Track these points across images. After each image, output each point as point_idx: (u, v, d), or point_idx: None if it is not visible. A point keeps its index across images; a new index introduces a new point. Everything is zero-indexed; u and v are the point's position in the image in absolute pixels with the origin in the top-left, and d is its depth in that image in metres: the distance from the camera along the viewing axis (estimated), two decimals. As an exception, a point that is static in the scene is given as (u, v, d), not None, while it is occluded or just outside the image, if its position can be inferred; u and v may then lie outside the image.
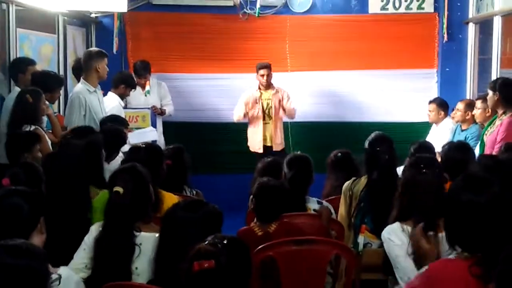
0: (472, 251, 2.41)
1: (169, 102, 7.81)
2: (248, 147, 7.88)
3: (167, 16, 8.33)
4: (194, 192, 4.76)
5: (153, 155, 4.22)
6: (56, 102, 6.46)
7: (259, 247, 3.59)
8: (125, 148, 5.09)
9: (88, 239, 3.29)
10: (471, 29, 8.14)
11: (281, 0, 8.28)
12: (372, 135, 4.50)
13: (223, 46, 8.33)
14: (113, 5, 7.09)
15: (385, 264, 3.35)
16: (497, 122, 5.49)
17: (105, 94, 6.56)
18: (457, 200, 2.47)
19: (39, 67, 5.95)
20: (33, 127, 5.00)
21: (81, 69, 6.19)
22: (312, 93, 8.42)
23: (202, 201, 3.49)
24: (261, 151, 7.57)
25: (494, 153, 5.05)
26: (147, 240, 3.19)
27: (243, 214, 4.72)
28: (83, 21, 7.97)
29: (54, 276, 2.37)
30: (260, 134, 7.70)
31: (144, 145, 4.44)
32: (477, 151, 5.50)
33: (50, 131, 5.55)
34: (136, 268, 3.18)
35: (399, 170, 3.93)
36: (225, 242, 2.34)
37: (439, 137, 6.74)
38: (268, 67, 7.61)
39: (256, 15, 8.22)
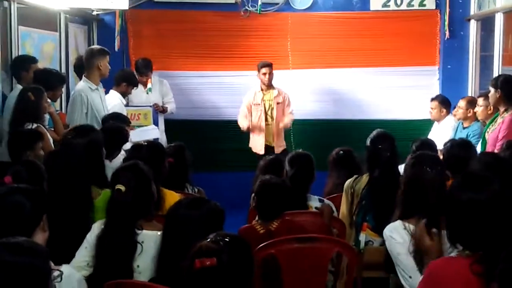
0: (473, 249, 2.41)
1: (171, 100, 7.81)
2: (250, 147, 7.88)
3: (168, 13, 8.33)
4: (196, 190, 4.77)
5: (155, 153, 4.23)
6: (58, 100, 6.46)
7: (261, 245, 3.59)
8: (127, 146, 5.09)
9: (90, 237, 3.30)
10: (473, 26, 8.12)
11: (283, -3, 8.29)
12: (374, 132, 4.49)
13: (224, 44, 8.33)
14: (114, 2, 7.09)
15: (386, 262, 3.35)
16: (499, 119, 5.48)
17: (107, 92, 6.56)
18: (458, 199, 2.47)
19: (40, 65, 5.95)
20: (35, 125, 5.01)
21: (83, 67, 6.19)
22: (313, 90, 8.42)
23: (204, 198, 3.49)
24: (262, 152, 7.53)
25: (496, 150, 5.05)
26: (149, 238, 3.20)
27: (245, 212, 4.73)
28: (85, 18, 7.97)
29: (55, 273, 2.37)
30: (262, 136, 7.69)
31: (146, 143, 4.45)
32: (478, 149, 5.50)
33: (52, 129, 5.56)
34: (138, 266, 3.19)
35: (401, 167, 3.93)
36: (227, 239, 2.34)
37: (441, 134, 6.74)
38: (270, 65, 7.60)
39: (258, 12, 8.22)
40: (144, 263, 3.17)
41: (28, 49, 6.18)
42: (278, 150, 7.62)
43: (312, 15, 8.36)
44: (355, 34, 8.36)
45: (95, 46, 6.71)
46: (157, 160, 4.09)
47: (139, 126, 6.82)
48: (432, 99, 7.31)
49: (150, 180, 3.40)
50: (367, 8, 8.35)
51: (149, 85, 7.61)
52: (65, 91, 6.74)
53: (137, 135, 5.91)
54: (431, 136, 6.74)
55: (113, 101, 6.55)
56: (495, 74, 6.83)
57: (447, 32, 8.18)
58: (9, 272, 2.05)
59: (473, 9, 8.09)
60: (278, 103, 7.67)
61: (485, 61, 7.91)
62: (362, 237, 4.12)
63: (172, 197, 3.96)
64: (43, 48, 6.61)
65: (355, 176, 4.57)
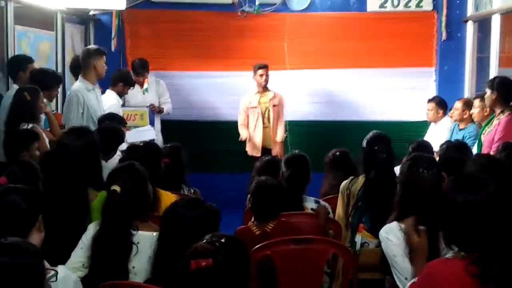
0: (469, 251, 2.41)
1: (167, 100, 7.81)
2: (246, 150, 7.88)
3: (165, 13, 8.33)
4: (192, 191, 4.77)
5: (151, 154, 4.22)
6: (54, 100, 6.45)
7: (257, 246, 3.59)
8: (123, 146, 5.09)
9: (86, 238, 3.30)
10: (470, 27, 8.14)
11: (280, -2, 8.29)
12: (370, 134, 4.50)
13: (221, 44, 8.33)
14: (111, 2, 7.09)
15: (382, 264, 3.35)
16: (495, 121, 5.48)
17: (103, 92, 6.55)
18: (453, 200, 2.47)
19: (37, 64, 5.94)
20: (30, 125, 4.99)
21: (79, 67, 6.18)
22: (310, 91, 8.42)
23: (200, 199, 3.49)
24: (259, 154, 7.48)
25: (491, 152, 5.06)
26: (144, 239, 3.20)
27: (241, 213, 4.72)
28: (81, 18, 7.96)
29: (50, 273, 2.37)
30: (259, 138, 7.69)
31: (142, 144, 4.44)
32: (474, 151, 5.51)
33: (48, 129, 5.55)
34: (133, 267, 3.18)
35: (397, 169, 3.93)
36: (223, 240, 2.34)
37: (437, 136, 6.75)
38: (266, 67, 7.61)
39: (256, 12, 8.21)
40: (139, 264, 3.16)
41: (24, 48, 6.17)
42: (275, 152, 7.64)
43: (309, 15, 8.36)
44: (352, 35, 8.36)
45: (92, 46, 6.71)
46: (153, 161, 4.08)
47: (135, 127, 6.81)
48: (429, 101, 7.32)
49: (146, 181, 3.39)
50: (364, 9, 8.36)
51: (145, 85, 7.61)
52: (61, 91, 6.73)
53: (133, 136, 5.90)
54: (427, 137, 6.75)
55: (109, 101, 6.54)
56: (492, 76, 6.83)
57: (444, 33, 8.20)
58: (2, 273, 2.05)
59: (470, 11, 8.11)
60: (274, 106, 7.67)
61: (482, 63, 7.92)
62: (358, 239, 4.12)
63: (168, 197, 3.96)
64: (39, 48, 6.60)
65: (351, 178, 4.58)
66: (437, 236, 2.95)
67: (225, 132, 8.26)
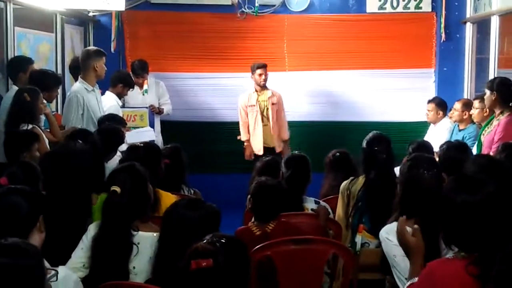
0: (469, 251, 2.41)
1: (167, 101, 7.81)
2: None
3: (165, 15, 8.33)
4: (192, 191, 4.77)
5: (151, 154, 4.23)
6: (54, 101, 6.45)
7: (257, 246, 3.59)
8: (123, 147, 5.09)
9: (86, 238, 3.29)
10: (469, 28, 8.15)
11: (279, -1, 8.30)
12: (370, 134, 4.51)
13: (221, 45, 8.33)
14: (111, 4, 7.07)
15: (383, 264, 3.35)
16: (495, 122, 5.49)
17: (102, 93, 6.55)
18: (452, 200, 2.47)
19: (36, 66, 5.94)
20: (30, 126, 5.00)
21: (78, 68, 6.18)
22: (310, 92, 8.43)
23: (200, 200, 3.50)
24: (261, 153, 7.52)
25: (491, 153, 5.06)
26: (145, 240, 3.20)
27: (241, 213, 4.73)
28: (81, 19, 7.96)
29: (51, 273, 2.37)
30: (260, 136, 7.69)
31: (142, 144, 4.44)
32: (474, 151, 5.51)
33: (48, 130, 5.55)
34: (134, 267, 3.18)
35: (397, 169, 3.94)
36: (223, 241, 2.34)
37: (437, 136, 6.75)
38: (265, 66, 7.62)
39: (255, 14, 8.22)
40: (140, 264, 3.16)
41: (24, 50, 6.17)
42: (278, 149, 7.66)
43: (309, 17, 8.37)
44: (351, 36, 8.37)
45: (91, 47, 6.71)
46: (153, 162, 4.09)
47: (135, 128, 6.81)
48: (429, 101, 7.33)
49: (146, 181, 3.40)
50: (363, 11, 8.36)
51: (145, 87, 7.61)
52: (61, 92, 6.73)
53: (132, 137, 5.90)
54: (427, 138, 6.75)
55: (109, 102, 6.54)
56: (491, 77, 6.84)
57: (443, 35, 8.21)
58: (2, 273, 2.05)
59: (469, 12, 8.11)
60: (273, 104, 7.68)
61: (481, 64, 7.92)
62: (358, 239, 4.12)
63: (168, 198, 3.96)
64: (38, 49, 6.60)
65: (351, 178, 4.58)
66: (437, 236, 2.95)
67: (225, 133, 8.27)
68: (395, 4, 8.32)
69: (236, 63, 8.33)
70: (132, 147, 4.40)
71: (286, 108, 7.95)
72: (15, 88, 5.48)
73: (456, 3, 8.19)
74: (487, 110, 5.92)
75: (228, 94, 8.28)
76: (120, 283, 3.07)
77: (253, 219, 4.06)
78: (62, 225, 3.43)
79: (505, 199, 2.50)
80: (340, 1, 8.38)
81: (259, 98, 7.69)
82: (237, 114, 7.88)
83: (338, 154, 5.41)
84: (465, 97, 7.77)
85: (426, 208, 3.10)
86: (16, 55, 5.90)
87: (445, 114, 7.15)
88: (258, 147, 7.70)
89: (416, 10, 8.33)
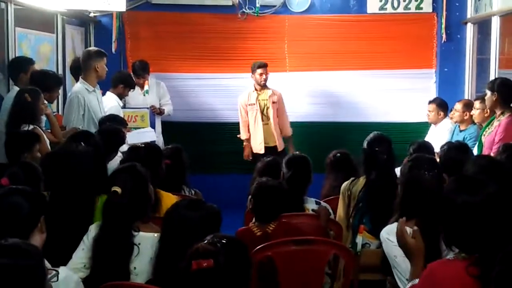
0: (469, 252, 2.41)
1: (168, 102, 7.82)
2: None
3: (166, 15, 8.33)
4: (193, 192, 4.77)
5: (152, 155, 4.23)
6: (55, 101, 6.45)
7: (258, 247, 3.59)
8: (124, 148, 5.09)
9: (87, 239, 3.29)
10: (470, 29, 8.15)
11: (280, 0, 8.28)
12: (371, 135, 4.51)
13: (222, 46, 8.34)
14: (112, 4, 7.08)
15: (383, 264, 3.35)
16: (495, 122, 5.49)
17: (103, 94, 6.56)
18: (453, 201, 2.47)
19: (37, 66, 5.94)
20: (31, 127, 5.00)
21: (79, 69, 6.19)
22: (310, 93, 8.43)
23: (201, 200, 3.50)
24: (262, 151, 7.53)
25: (492, 153, 5.06)
26: (145, 240, 3.20)
27: (242, 214, 4.73)
28: (82, 20, 7.97)
29: (51, 273, 2.37)
30: (260, 135, 7.69)
31: (143, 145, 4.44)
32: (475, 152, 5.51)
33: (49, 130, 5.55)
34: (135, 268, 3.18)
35: (397, 170, 3.94)
36: (224, 241, 2.34)
37: (438, 137, 6.75)
38: (266, 66, 7.62)
39: (256, 14, 8.22)
40: (140, 265, 3.16)
41: (25, 50, 6.17)
42: (281, 147, 7.67)
43: (309, 17, 8.37)
44: (352, 37, 8.37)
45: (92, 48, 6.72)
46: (154, 162, 4.09)
47: (136, 128, 6.81)
48: (430, 102, 7.33)
49: (147, 182, 3.40)
50: (364, 11, 8.36)
51: (146, 87, 7.61)
52: (62, 92, 6.73)
53: (133, 137, 5.89)
54: (427, 139, 6.74)
55: (110, 103, 6.55)
56: (492, 77, 6.84)
57: (443, 35, 8.21)
58: (3, 274, 2.05)
59: (469, 12, 8.11)
60: (273, 102, 7.68)
61: (482, 64, 7.92)
62: (359, 240, 4.12)
63: (168, 199, 3.96)
64: (39, 50, 6.60)
65: (352, 179, 4.58)
66: (438, 237, 2.95)
67: (225, 133, 8.28)
68: (395, 5, 8.31)
69: (237, 63, 8.33)
70: (133, 148, 4.40)
71: (287, 108, 7.95)
72: (16, 88, 5.48)
73: (457, 4, 8.19)
74: (488, 110, 5.92)
75: (229, 95, 8.28)
76: (121, 284, 3.07)
77: (254, 220, 4.06)
78: (63, 226, 3.43)
79: (506, 200, 2.50)
80: (340, 1, 8.38)
81: (259, 97, 7.70)
82: (238, 115, 7.89)
83: (339, 154, 5.41)
84: (466, 97, 7.76)
85: (426, 209, 3.10)
86: (17, 55, 5.90)
87: (446, 115, 7.14)
88: (258, 146, 7.70)
89: (417, 11, 8.32)
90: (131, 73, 7.47)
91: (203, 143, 8.32)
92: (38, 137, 4.79)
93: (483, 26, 7.91)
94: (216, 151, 8.41)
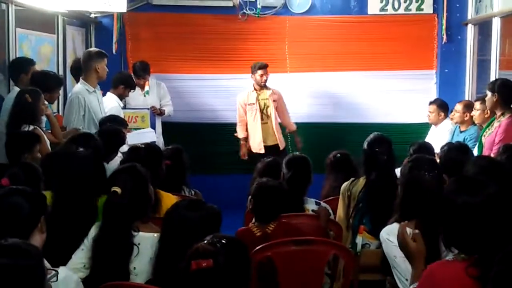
0: (469, 253, 2.41)
1: (168, 103, 7.82)
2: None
3: (166, 16, 8.34)
4: (193, 192, 4.78)
5: (152, 155, 4.23)
6: (55, 102, 6.46)
7: (258, 247, 3.59)
8: (124, 148, 5.09)
9: (87, 239, 3.30)
10: (470, 30, 8.15)
11: (280, 1, 8.28)
12: (371, 136, 4.51)
13: (222, 47, 8.34)
14: (113, 5, 7.08)
15: (383, 265, 3.35)
16: (496, 123, 5.49)
17: (104, 95, 6.56)
18: (452, 202, 2.47)
19: (38, 67, 5.94)
20: (31, 127, 5.00)
21: (80, 69, 6.19)
22: (311, 94, 8.44)
23: (201, 201, 3.50)
24: (262, 151, 7.54)
25: (492, 154, 5.06)
26: (145, 240, 3.21)
27: (242, 214, 4.73)
28: (82, 21, 7.97)
29: (51, 273, 2.37)
30: (259, 135, 7.70)
31: (143, 145, 4.45)
32: (475, 153, 5.51)
33: (49, 131, 5.55)
34: (134, 268, 3.18)
35: (397, 171, 3.94)
36: (223, 241, 2.34)
37: (438, 138, 6.75)
38: (267, 66, 7.63)
39: (257, 15, 8.23)
40: (140, 265, 3.17)
41: (25, 51, 6.17)
42: (282, 146, 7.69)
43: (310, 18, 8.37)
44: (352, 38, 8.37)
45: (93, 49, 6.71)
46: (154, 163, 4.09)
47: (136, 129, 6.81)
48: (431, 103, 7.32)
49: (147, 182, 3.40)
50: (364, 12, 8.36)
51: (146, 88, 7.62)
52: (62, 93, 6.73)
53: (133, 138, 5.89)
54: (428, 139, 6.74)
55: (110, 104, 6.55)
56: (492, 78, 6.84)
57: (444, 36, 8.21)
58: (2, 274, 2.05)
59: (470, 14, 8.12)
60: (274, 101, 7.69)
61: (482, 65, 7.92)
62: (359, 240, 4.12)
63: (168, 199, 3.96)
64: (40, 50, 6.60)
65: (352, 179, 4.59)
66: (437, 238, 2.95)
67: (226, 134, 8.27)
68: (396, 6, 8.32)
69: (237, 64, 8.33)
70: (133, 148, 4.40)
71: (288, 110, 7.96)
72: (16, 89, 5.48)
73: (458, 5, 8.19)
74: (488, 111, 5.92)
75: (229, 96, 8.27)
76: (120, 284, 3.07)
77: (253, 220, 4.06)
78: (64, 227, 3.44)
79: (506, 201, 2.50)
80: (341, 2, 8.38)
81: (259, 96, 7.70)
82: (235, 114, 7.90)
83: (339, 155, 5.41)
84: (466, 98, 7.77)
85: (426, 210, 3.10)
86: (17, 56, 5.90)
87: (446, 116, 7.14)
88: (258, 146, 7.70)
89: (418, 12, 8.32)
90: (132, 74, 7.48)
91: (204, 143, 8.32)
92: (39, 138, 4.79)
93: (483, 27, 7.92)
94: (216, 152, 8.41)
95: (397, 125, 8.30)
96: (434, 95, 8.11)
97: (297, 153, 4.82)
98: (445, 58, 8.26)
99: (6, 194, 2.81)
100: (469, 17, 8.14)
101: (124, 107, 7.07)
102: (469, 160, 4.23)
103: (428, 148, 5.14)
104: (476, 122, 6.36)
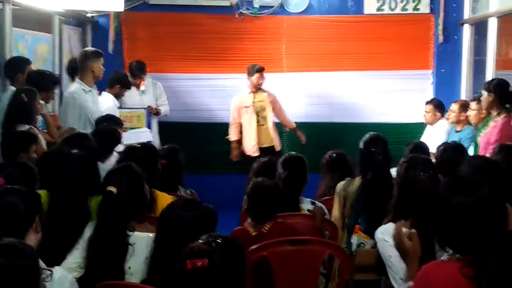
0: (464, 253, 2.42)
1: (164, 102, 7.82)
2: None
3: (163, 16, 8.34)
4: (189, 192, 4.78)
5: (148, 155, 4.22)
6: (51, 101, 6.45)
7: (253, 247, 3.59)
8: (119, 148, 5.09)
9: (82, 239, 3.29)
10: (467, 30, 8.16)
11: (277, 1, 8.28)
12: (367, 135, 4.51)
13: (219, 47, 8.34)
14: (109, 4, 7.08)
15: (378, 264, 3.36)
16: (491, 123, 5.50)
17: (100, 94, 6.56)
18: (447, 202, 2.48)
19: (34, 66, 5.94)
20: (27, 127, 5.00)
21: (76, 69, 6.18)
22: (307, 93, 8.44)
23: (197, 200, 3.50)
24: (256, 154, 7.46)
25: (488, 154, 5.06)
26: (140, 240, 3.20)
27: (237, 214, 4.73)
28: (79, 20, 7.96)
29: (46, 273, 2.37)
30: (254, 138, 7.68)
31: (139, 145, 4.44)
32: (471, 153, 5.52)
33: (45, 130, 5.55)
34: (129, 267, 3.18)
35: (393, 171, 3.94)
36: (219, 241, 2.34)
37: (434, 138, 6.75)
38: (263, 70, 7.62)
39: (255, 15, 8.23)
40: (135, 264, 3.16)
41: (22, 50, 6.17)
42: (278, 148, 7.69)
43: (307, 18, 8.38)
44: (349, 38, 8.38)
45: (89, 48, 6.71)
46: (150, 162, 4.08)
47: (132, 128, 6.80)
48: (427, 103, 7.33)
49: (142, 182, 3.40)
50: (361, 12, 8.37)
51: (142, 87, 7.62)
52: (58, 93, 6.73)
53: (129, 138, 5.88)
54: (423, 139, 6.75)
55: (106, 103, 6.54)
56: (488, 78, 6.85)
57: (441, 36, 8.21)
58: (-2, 274, 2.06)
59: (467, 14, 8.12)
60: (270, 102, 7.69)
61: (479, 65, 7.93)
62: (354, 240, 4.13)
63: (164, 199, 3.96)
64: (36, 50, 6.60)
65: (347, 179, 4.59)
66: (432, 238, 2.96)
67: (222, 133, 8.25)
68: (393, 6, 8.32)
69: (234, 64, 8.33)
70: (129, 148, 4.39)
71: (284, 109, 7.96)
72: (12, 88, 5.47)
73: (454, 5, 8.19)
74: (484, 111, 5.92)
75: (225, 95, 8.26)
76: (115, 283, 3.07)
77: (249, 220, 4.06)
78: (60, 226, 3.44)
79: (500, 201, 2.51)
80: (338, 2, 8.39)
81: (254, 99, 7.69)
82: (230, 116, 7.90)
83: (334, 155, 5.41)
84: (463, 98, 7.77)
85: (422, 210, 3.10)
86: (14, 55, 5.90)
87: (442, 116, 7.15)
88: (252, 149, 7.69)
89: (414, 12, 8.33)
90: (128, 74, 7.47)
91: (200, 143, 8.32)
92: (34, 138, 4.79)
93: (480, 27, 7.92)
94: (212, 151, 8.40)
95: (393, 125, 8.31)
96: (430, 95, 8.12)
97: (293, 152, 4.80)
98: (442, 58, 8.27)
99: (1, 193, 2.81)
100: (465, 17, 8.15)
101: (120, 107, 7.06)
102: (464, 160, 4.24)
103: (424, 148, 5.14)
104: (472, 122, 6.37)
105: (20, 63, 5.76)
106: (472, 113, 6.25)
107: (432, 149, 5.13)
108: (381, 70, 8.43)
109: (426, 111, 7.25)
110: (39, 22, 6.74)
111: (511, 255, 2.05)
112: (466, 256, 2.40)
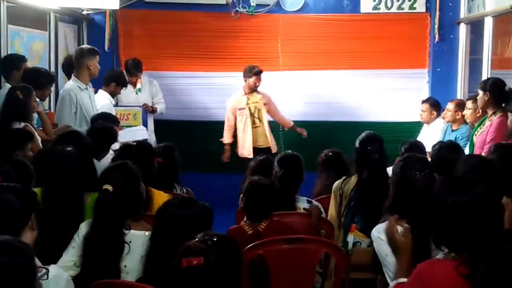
0: (459, 251, 2.42)
1: (160, 100, 7.81)
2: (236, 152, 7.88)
3: (159, 14, 8.32)
4: (185, 190, 4.77)
5: (144, 153, 4.22)
6: (47, 99, 6.44)
7: (249, 245, 3.59)
8: (115, 146, 5.08)
9: (78, 237, 3.29)
10: (463, 29, 8.17)
11: (274, -1, 8.30)
12: (363, 134, 4.52)
13: (215, 45, 8.33)
14: (105, 2, 7.07)
15: (374, 263, 3.36)
16: (487, 122, 5.51)
17: (95, 92, 6.54)
18: (442, 201, 2.48)
19: (29, 64, 5.93)
20: (23, 124, 4.99)
21: (71, 66, 6.18)
22: (303, 92, 8.44)
23: (192, 198, 3.49)
24: (251, 156, 7.34)
25: (483, 153, 5.07)
26: (136, 238, 3.20)
27: (234, 212, 4.73)
28: (74, 18, 7.95)
29: (42, 271, 2.37)
30: (249, 140, 7.67)
31: (135, 143, 4.44)
32: (467, 151, 5.53)
33: (41, 128, 5.54)
34: (125, 266, 3.18)
35: (389, 169, 3.95)
36: (215, 239, 2.34)
37: (430, 137, 6.76)
38: (261, 72, 7.60)
39: (251, 13, 8.22)
40: (131, 263, 3.16)
41: (17, 48, 6.16)
42: (275, 149, 7.66)
43: (303, 17, 8.37)
44: (345, 36, 8.38)
45: (85, 46, 6.70)
46: (146, 160, 4.08)
47: (128, 126, 6.80)
48: (423, 102, 7.34)
49: (138, 180, 3.39)
50: (357, 11, 8.37)
51: (138, 85, 7.60)
52: (54, 90, 6.72)
53: (125, 136, 5.88)
54: (419, 138, 6.76)
55: (102, 101, 6.54)
56: (484, 77, 6.86)
57: (436, 35, 8.22)
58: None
59: (463, 13, 8.13)
60: (264, 104, 7.68)
61: (474, 64, 7.94)
62: (350, 238, 4.13)
63: (160, 197, 3.95)
64: (32, 47, 6.59)
65: (343, 178, 4.59)
66: (428, 237, 2.96)
67: (218, 132, 8.23)
68: (389, 5, 8.33)
69: (230, 62, 8.32)
70: (125, 146, 4.39)
71: (280, 108, 7.96)
72: (8, 86, 5.46)
73: (450, 4, 8.21)
74: (480, 110, 5.93)
75: (221, 93, 8.26)
76: (111, 282, 3.06)
77: (245, 218, 4.06)
78: (55, 224, 3.43)
79: (495, 199, 2.51)
80: (334, 1, 8.38)
81: (249, 100, 7.68)
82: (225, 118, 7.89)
83: (331, 153, 5.41)
84: (459, 97, 7.78)
85: (418, 209, 3.11)
86: (9, 53, 5.89)
87: (438, 115, 7.16)
88: (246, 151, 7.65)
89: (410, 11, 8.33)
90: (124, 71, 7.46)
91: (196, 141, 8.31)
92: (31, 135, 4.77)
93: (476, 27, 7.93)
94: (209, 150, 8.38)
95: (389, 123, 8.31)
96: (426, 94, 8.13)
97: (289, 151, 4.80)
98: (438, 57, 8.28)
99: (-3, 191, 2.80)
100: (461, 16, 8.15)
101: (116, 105, 7.05)
102: (460, 159, 4.24)
103: (419, 147, 5.14)
104: (467, 121, 6.38)
105: (16, 60, 5.76)
106: (468, 112, 6.26)
107: (428, 148, 5.13)
108: (377, 69, 8.43)
109: (422, 110, 7.26)
110: (34, 19, 6.73)
111: (505, 254, 2.05)
112: (462, 255, 2.40)
